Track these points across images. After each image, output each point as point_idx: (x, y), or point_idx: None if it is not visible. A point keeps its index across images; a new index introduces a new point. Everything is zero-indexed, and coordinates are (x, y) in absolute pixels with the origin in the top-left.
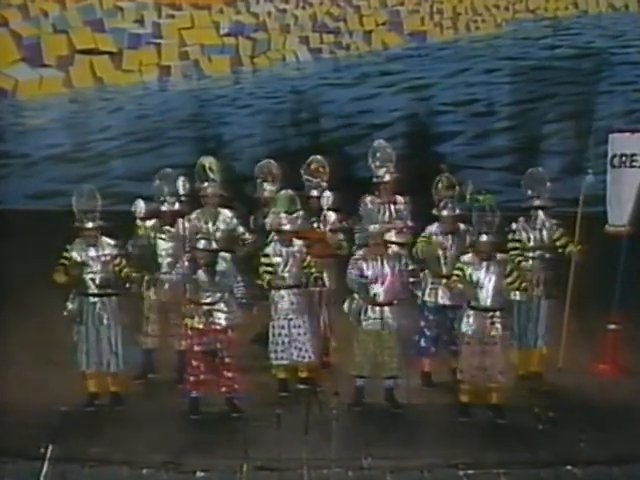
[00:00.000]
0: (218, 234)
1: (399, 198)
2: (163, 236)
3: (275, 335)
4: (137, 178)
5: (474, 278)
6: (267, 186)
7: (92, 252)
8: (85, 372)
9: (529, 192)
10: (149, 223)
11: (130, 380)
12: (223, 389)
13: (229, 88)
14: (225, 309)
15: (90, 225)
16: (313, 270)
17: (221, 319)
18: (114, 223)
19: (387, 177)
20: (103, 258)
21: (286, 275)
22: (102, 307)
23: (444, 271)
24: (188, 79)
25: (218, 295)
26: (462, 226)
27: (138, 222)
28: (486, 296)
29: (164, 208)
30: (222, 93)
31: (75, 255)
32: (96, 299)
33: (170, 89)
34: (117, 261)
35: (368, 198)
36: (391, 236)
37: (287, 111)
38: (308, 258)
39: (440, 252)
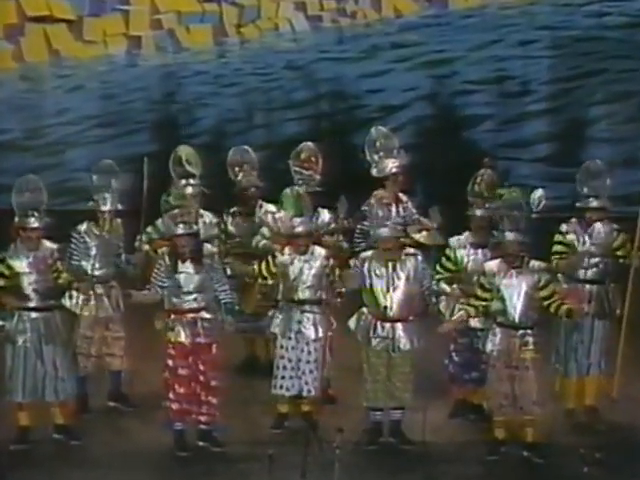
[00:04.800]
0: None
1: (402, 196)
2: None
3: (282, 360)
4: None
5: (501, 289)
6: (246, 175)
7: (31, 257)
8: (21, 403)
9: (584, 190)
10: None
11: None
12: (203, 419)
13: (211, 63)
14: (209, 318)
15: (35, 225)
16: (339, 272)
17: (206, 330)
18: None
19: (395, 169)
20: (43, 265)
21: (299, 288)
22: (45, 324)
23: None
24: (162, 52)
25: (204, 298)
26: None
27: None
28: (515, 310)
29: (105, 208)
30: (203, 69)
31: (15, 264)
32: (38, 315)
33: (140, 64)
34: (54, 267)
35: (372, 198)
36: (421, 237)
37: (281, 91)
38: (332, 261)
39: (470, 267)
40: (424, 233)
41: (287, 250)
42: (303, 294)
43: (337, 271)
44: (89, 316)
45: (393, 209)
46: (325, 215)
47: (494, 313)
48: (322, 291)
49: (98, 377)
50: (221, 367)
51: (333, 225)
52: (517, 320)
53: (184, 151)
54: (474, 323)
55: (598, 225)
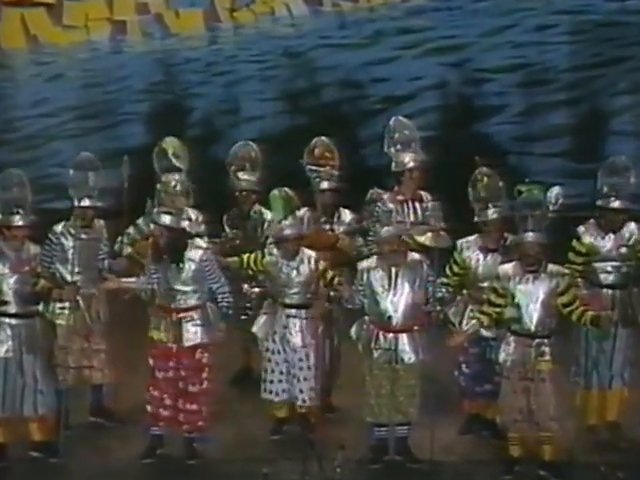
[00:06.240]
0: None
1: (424, 194)
2: (71, 244)
3: (269, 363)
4: None
5: (516, 295)
6: (244, 176)
7: (14, 258)
8: None
9: (605, 189)
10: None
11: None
12: (184, 427)
13: (202, 50)
14: (199, 320)
15: (20, 222)
16: (330, 275)
17: (189, 333)
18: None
19: (412, 164)
20: (27, 267)
21: (285, 293)
22: (27, 332)
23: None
24: (149, 38)
25: (191, 298)
26: (512, 238)
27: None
28: (531, 318)
29: (84, 204)
30: (193, 56)
31: None
32: (19, 321)
33: (125, 51)
34: (35, 272)
35: (386, 194)
36: (426, 240)
37: (278, 80)
38: (322, 264)
39: (479, 273)
40: (428, 235)
41: (275, 252)
42: (290, 299)
43: (329, 274)
44: (65, 326)
45: (409, 208)
46: (347, 215)
47: (508, 321)
48: (311, 295)
49: (80, 391)
50: (207, 374)
51: (354, 226)
52: (533, 328)
53: (171, 144)
54: (486, 332)
55: (618, 224)
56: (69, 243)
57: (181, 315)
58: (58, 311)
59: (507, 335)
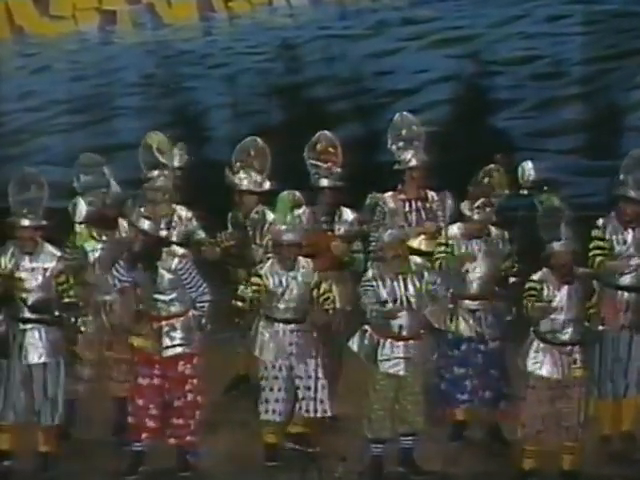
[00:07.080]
0: (173, 239)
1: (430, 193)
2: (99, 246)
3: (268, 384)
4: (70, 163)
5: (552, 303)
6: (243, 175)
7: (27, 261)
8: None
9: (628, 180)
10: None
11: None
12: (171, 440)
13: (196, 41)
14: (180, 330)
15: (27, 223)
16: (322, 290)
17: (169, 343)
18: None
19: (414, 162)
20: (42, 271)
21: (284, 306)
22: (37, 338)
23: (470, 291)
24: (140, 29)
25: (175, 305)
26: (494, 230)
27: (77, 228)
28: (566, 326)
29: (107, 202)
30: (187, 48)
31: (3, 261)
32: (28, 327)
33: (116, 42)
34: (61, 278)
35: (388, 193)
36: (420, 243)
37: (276, 73)
38: (316, 275)
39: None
40: (420, 238)
41: (269, 263)
42: (291, 313)
43: (324, 286)
44: (85, 334)
45: (412, 208)
46: (348, 214)
47: (540, 329)
48: (311, 306)
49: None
50: (191, 386)
51: (355, 228)
52: (568, 337)
53: (155, 139)
54: (467, 332)
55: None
56: (90, 247)
57: (162, 323)
58: (82, 319)
59: (536, 343)
